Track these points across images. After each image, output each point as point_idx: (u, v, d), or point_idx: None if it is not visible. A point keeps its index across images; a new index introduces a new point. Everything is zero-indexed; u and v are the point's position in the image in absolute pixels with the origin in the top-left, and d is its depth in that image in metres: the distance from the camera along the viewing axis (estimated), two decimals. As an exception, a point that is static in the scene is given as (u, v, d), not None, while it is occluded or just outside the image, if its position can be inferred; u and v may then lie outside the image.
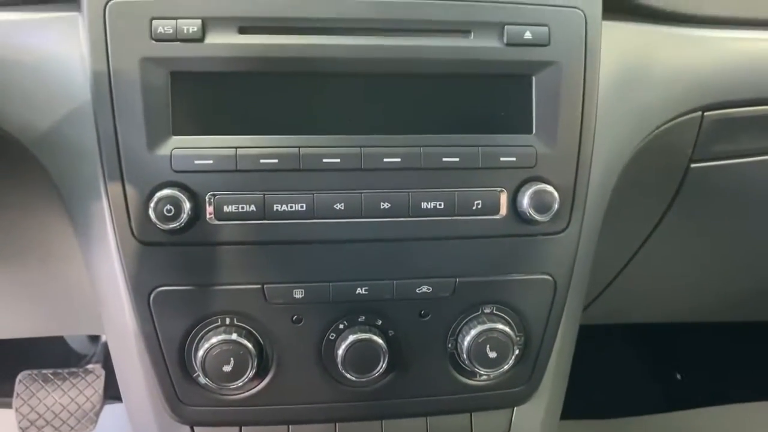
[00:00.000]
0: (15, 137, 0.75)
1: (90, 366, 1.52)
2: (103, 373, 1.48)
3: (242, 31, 0.70)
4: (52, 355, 1.63)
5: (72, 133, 0.74)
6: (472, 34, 0.73)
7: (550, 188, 0.74)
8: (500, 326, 0.78)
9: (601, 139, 0.79)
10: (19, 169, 0.79)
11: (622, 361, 1.81)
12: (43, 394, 1.44)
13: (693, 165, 0.93)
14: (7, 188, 0.85)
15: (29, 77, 0.73)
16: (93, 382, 1.47)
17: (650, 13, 0.84)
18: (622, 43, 0.81)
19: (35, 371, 1.47)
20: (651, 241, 1.04)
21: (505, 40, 0.73)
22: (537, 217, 0.74)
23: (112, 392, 1.48)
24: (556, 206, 0.74)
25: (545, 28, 0.74)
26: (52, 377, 1.47)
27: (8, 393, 1.44)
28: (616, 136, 0.82)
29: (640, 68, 0.83)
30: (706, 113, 0.88)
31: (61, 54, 0.73)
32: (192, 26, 0.69)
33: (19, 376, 1.44)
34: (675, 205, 0.98)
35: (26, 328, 1.20)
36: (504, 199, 0.75)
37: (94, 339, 1.65)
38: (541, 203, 0.74)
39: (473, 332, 0.77)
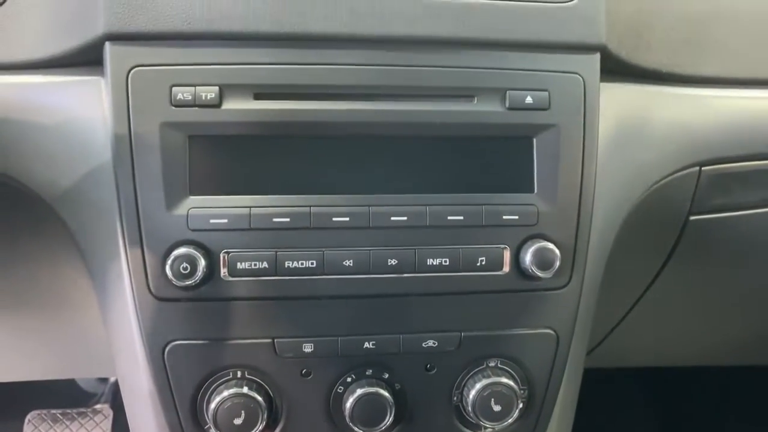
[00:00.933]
0: (37, 193, 0.78)
1: (98, 406, 1.53)
2: (111, 413, 1.49)
3: (257, 97, 0.74)
4: (60, 394, 1.64)
5: (92, 192, 0.77)
6: (476, 98, 0.77)
7: (551, 246, 0.77)
8: (504, 380, 0.79)
9: (600, 196, 0.81)
10: (40, 223, 0.82)
11: (625, 404, 1.81)
12: (51, 435, 1.45)
13: (691, 218, 0.95)
14: (28, 240, 0.88)
15: (52, 137, 0.76)
16: (101, 422, 1.48)
17: (648, 74, 0.88)
18: (619, 103, 0.84)
19: (44, 411, 1.48)
20: (652, 290, 1.06)
21: (507, 105, 0.77)
22: (540, 273, 0.76)
23: (119, 433, 1.49)
24: (557, 263, 0.77)
25: (545, 93, 0.77)
26: (60, 417, 1.48)
27: (17, 432, 1.46)
28: (615, 193, 0.85)
29: (638, 126, 0.86)
30: (703, 168, 0.90)
31: (84, 116, 0.76)
32: (210, 93, 0.72)
33: (28, 416, 1.46)
34: (674, 256, 1.00)
35: (39, 371, 1.22)
36: (507, 255, 0.78)
37: (103, 379, 1.66)
38: (543, 260, 0.76)
39: (478, 386, 0.79)
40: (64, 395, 1.64)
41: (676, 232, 0.96)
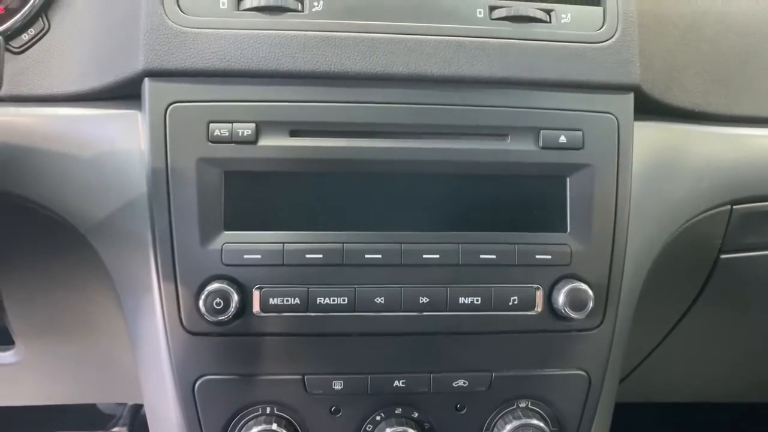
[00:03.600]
0: (72, 224, 0.79)
1: (116, 429, 1.53)
2: (129, 437, 1.49)
3: (293, 134, 0.74)
4: (79, 417, 1.64)
5: (126, 224, 0.77)
6: (509, 137, 0.77)
7: (584, 286, 0.76)
8: (535, 421, 0.79)
9: (632, 235, 0.81)
10: (74, 251, 0.83)
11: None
12: (70, 457, 1.45)
13: (722, 256, 0.94)
14: (61, 268, 0.89)
15: (89, 169, 0.77)
16: (119, 446, 1.48)
17: (681, 113, 0.87)
18: (652, 142, 0.84)
19: (63, 433, 1.48)
20: (681, 326, 1.05)
21: (540, 144, 0.77)
22: (572, 314, 0.76)
23: (137, 457, 1.49)
24: (591, 304, 0.76)
25: (579, 133, 0.77)
26: (79, 440, 1.48)
27: (36, 455, 1.46)
28: (647, 232, 0.84)
29: (670, 165, 0.85)
30: (735, 207, 0.90)
31: (121, 149, 0.77)
32: (246, 129, 0.73)
33: (48, 439, 1.46)
34: (705, 293, 0.99)
35: (64, 396, 1.22)
36: (540, 296, 0.77)
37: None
38: (576, 301, 0.76)
39: (509, 427, 0.78)
40: (83, 418, 1.63)
41: (706, 269, 0.96)
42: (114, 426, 1.57)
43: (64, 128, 0.78)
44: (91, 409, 1.67)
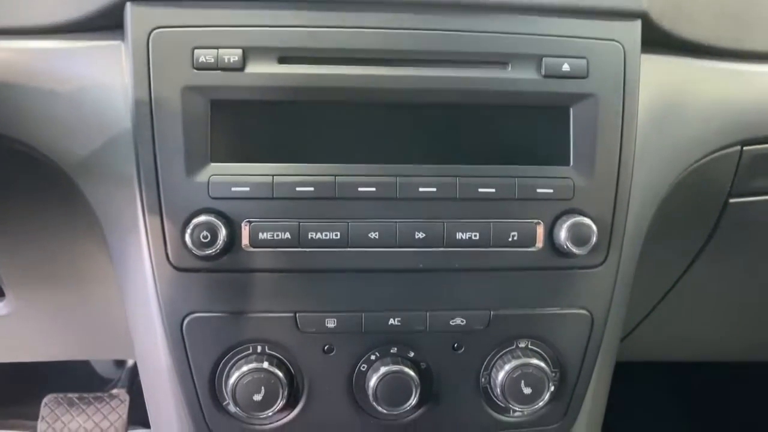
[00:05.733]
0: (57, 163, 0.76)
1: (115, 391, 1.52)
2: (127, 398, 1.48)
3: (282, 60, 0.71)
4: (76, 378, 1.64)
5: (111, 160, 0.75)
6: (510, 65, 0.74)
7: (587, 221, 0.73)
8: (535, 361, 0.76)
9: (638, 172, 0.78)
10: (60, 195, 0.80)
11: (658, 400, 1.77)
12: (67, 418, 1.44)
13: (731, 200, 0.91)
14: (49, 214, 0.86)
15: (71, 105, 0.75)
16: (117, 407, 1.47)
17: (690, 47, 0.84)
18: (660, 77, 0.81)
19: (61, 395, 1.47)
20: (687, 276, 1.02)
21: (542, 72, 0.73)
22: (575, 250, 0.73)
23: (135, 418, 1.48)
24: (594, 239, 0.73)
25: (583, 61, 0.74)
26: (77, 401, 1.47)
27: (33, 416, 1.45)
28: (654, 170, 0.81)
29: (679, 102, 0.82)
30: (745, 148, 0.87)
31: (103, 82, 0.74)
32: (233, 56, 0.70)
33: (45, 399, 1.45)
34: (713, 240, 0.96)
35: (57, 352, 1.21)
36: (540, 231, 0.74)
37: (119, 363, 1.66)
38: (578, 236, 0.73)
39: (507, 367, 0.76)
40: (81, 380, 1.63)
41: (715, 214, 0.93)
42: (113, 388, 1.56)
43: (41, 63, 0.74)
44: (88, 371, 1.66)
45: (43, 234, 0.91)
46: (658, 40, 0.81)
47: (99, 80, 0.74)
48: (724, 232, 0.95)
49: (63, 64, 0.75)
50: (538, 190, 0.74)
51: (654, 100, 0.79)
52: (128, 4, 0.71)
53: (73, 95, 0.74)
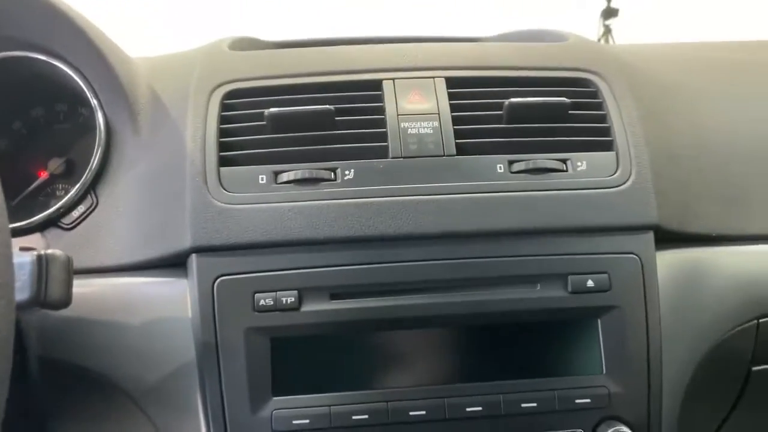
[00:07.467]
0: (125, 390, 0.81)
1: None
2: None
3: (333, 297, 0.78)
4: None
5: (176, 390, 0.80)
6: (539, 285, 0.80)
7: (625, 429, 0.78)
8: None
9: (666, 366, 0.83)
10: (127, 420, 0.85)
11: None
12: None
13: (754, 368, 0.95)
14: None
15: (141, 336, 0.80)
16: None
17: (699, 239, 0.90)
18: (674, 270, 0.86)
19: None
20: (719, 435, 1.05)
21: (569, 289, 0.80)
22: None
23: None
24: None
25: (605, 275, 0.80)
26: None
27: None
28: (679, 360, 0.86)
29: (694, 290, 0.87)
30: (761, 321, 0.91)
31: (169, 316, 0.80)
32: (290, 297, 0.77)
33: None
34: (739, 405, 0.99)
35: None
36: (581, 440, 0.79)
37: None
38: (618, 443, 0.77)
39: None
40: None
41: (739, 383, 0.96)
42: None
43: (114, 297, 0.81)
44: None
45: None
46: (670, 238, 0.87)
47: (165, 313, 0.80)
48: (750, 398, 0.98)
49: (131, 298, 0.81)
50: (577, 401, 0.79)
51: (672, 295, 0.85)
52: (193, 255, 0.78)
53: (144, 327, 0.80)
